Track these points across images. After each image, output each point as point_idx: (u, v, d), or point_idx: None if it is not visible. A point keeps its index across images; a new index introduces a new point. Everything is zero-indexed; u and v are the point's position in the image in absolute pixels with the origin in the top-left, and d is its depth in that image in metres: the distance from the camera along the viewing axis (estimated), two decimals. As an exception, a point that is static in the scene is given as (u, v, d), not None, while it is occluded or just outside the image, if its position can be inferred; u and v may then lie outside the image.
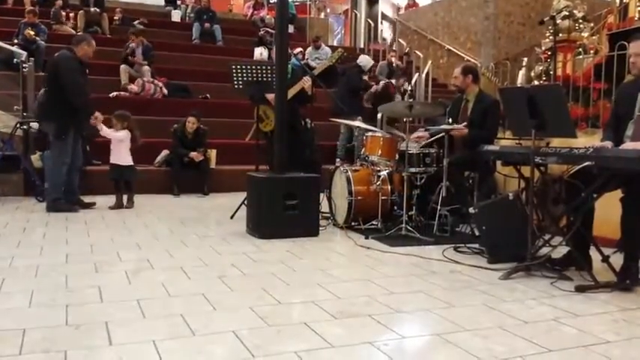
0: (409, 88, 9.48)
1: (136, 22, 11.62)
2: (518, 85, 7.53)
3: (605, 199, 3.35)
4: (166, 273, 3.41)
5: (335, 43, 16.91)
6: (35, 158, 6.70)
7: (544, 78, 7.08)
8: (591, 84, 6.03)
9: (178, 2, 14.33)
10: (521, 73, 8.09)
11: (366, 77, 8.92)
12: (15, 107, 7.31)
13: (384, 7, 18.64)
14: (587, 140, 4.08)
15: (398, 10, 16.91)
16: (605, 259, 3.36)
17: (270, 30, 11.76)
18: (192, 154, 7.09)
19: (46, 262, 3.60)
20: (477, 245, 4.18)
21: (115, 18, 11.98)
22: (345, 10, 19.78)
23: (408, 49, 12.81)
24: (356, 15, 16.11)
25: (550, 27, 6.84)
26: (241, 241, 4.41)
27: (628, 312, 2.86)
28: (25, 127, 6.77)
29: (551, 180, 3.68)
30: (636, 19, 6.99)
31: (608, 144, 3.34)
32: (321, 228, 4.73)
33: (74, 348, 2.22)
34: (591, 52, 6.93)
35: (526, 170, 3.71)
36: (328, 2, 19.67)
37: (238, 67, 5.44)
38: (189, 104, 8.47)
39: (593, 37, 7.38)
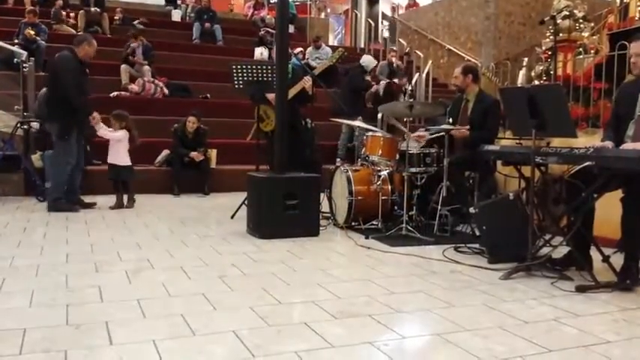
0: (409, 87, 9.48)
1: (136, 22, 11.63)
2: (519, 85, 7.52)
3: (605, 199, 3.35)
4: (167, 273, 3.41)
5: (335, 43, 16.95)
6: (36, 158, 6.70)
7: (544, 78, 7.07)
8: (592, 84, 6.03)
9: (179, 2, 14.32)
10: (522, 73, 8.08)
11: (368, 77, 8.93)
12: (15, 107, 7.33)
13: (384, 7, 18.65)
14: (588, 140, 4.07)
15: (393, 10, 16.88)
16: (606, 259, 3.36)
17: (270, 30, 11.77)
18: (193, 153, 7.09)
19: (46, 261, 3.60)
20: (477, 245, 4.18)
21: (115, 18, 11.98)
22: (345, 10, 19.80)
23: (408, 48, 12.81)
24: (356, 15, 16.12)
25: (550, 27, 6.84)
26: (242, 240, 4.41)
27: (628, 312, 2.86)
28: (25, 126, 6.78)
29: (552, 180, 3.68)
30: (637, 19, 6.99)
31: (609, 144, 3.34)
32: (321, 228, 4.73)
33: (74, 348, 2.22)
34: (592, 51, 6.92)
35: (526, 170, 3.71)
36: (328, 2, 19.68)
37: (239, 66, 5.44)
38: (190, 104, 8.47)
39: (594, 37, 7.37)
